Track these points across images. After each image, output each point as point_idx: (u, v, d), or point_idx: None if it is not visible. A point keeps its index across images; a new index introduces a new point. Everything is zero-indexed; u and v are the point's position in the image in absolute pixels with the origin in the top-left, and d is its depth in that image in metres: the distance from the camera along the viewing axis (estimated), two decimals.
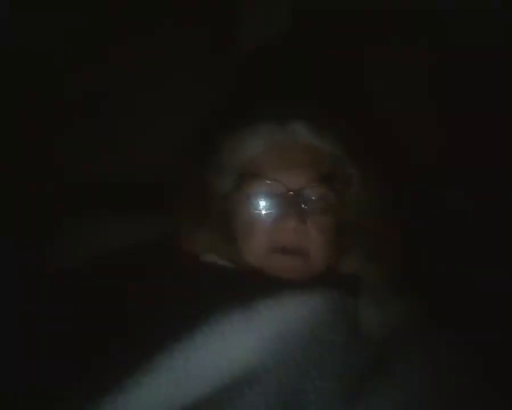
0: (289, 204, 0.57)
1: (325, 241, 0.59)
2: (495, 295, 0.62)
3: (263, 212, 0.59)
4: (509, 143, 0.77)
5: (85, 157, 0.77)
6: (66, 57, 0.77)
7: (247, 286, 0.55)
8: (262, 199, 0.59)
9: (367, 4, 0.81)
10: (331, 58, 0.79)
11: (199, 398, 0.46)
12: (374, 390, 0.46)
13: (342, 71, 0.79)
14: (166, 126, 0.78)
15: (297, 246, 0.58)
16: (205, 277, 0.58)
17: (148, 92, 0.79)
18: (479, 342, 0.51)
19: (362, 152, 0.62)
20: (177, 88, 0.79)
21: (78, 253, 0.66)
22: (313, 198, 0.58)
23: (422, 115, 0.81)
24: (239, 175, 0.61)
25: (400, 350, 0.51)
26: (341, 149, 0.62)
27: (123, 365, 0.46)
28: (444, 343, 0.52)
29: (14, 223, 0.70)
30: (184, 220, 0.63)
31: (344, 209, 0.61)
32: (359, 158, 0.62)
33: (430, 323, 0.55)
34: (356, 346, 0.50)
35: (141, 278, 0.57)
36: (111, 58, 0.77)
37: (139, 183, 0.75)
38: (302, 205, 0.57)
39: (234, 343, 0.48)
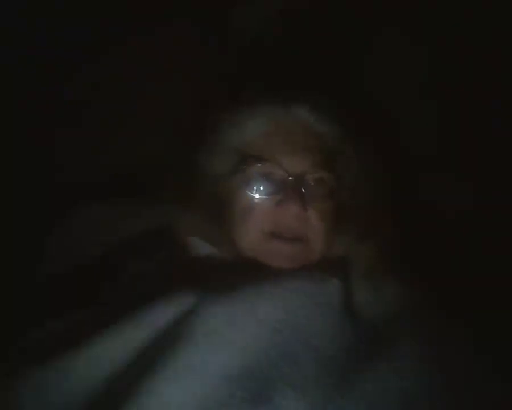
0: (290, 188, 0.56)
1: (325, 227, 0.58)
2: (493, 279, 0.62)
3: (263, 196, 0.57)
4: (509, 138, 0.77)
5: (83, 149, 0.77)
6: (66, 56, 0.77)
7: (239, 274, 0.54)
8: (262, 183, 0.57)
9: None
10: (334, 45, 0.79)
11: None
12: (370, 375, 0.46)
13: (345, 59, 0.78)
14: (165, 104, 0.77)
15: (297, 233, 0.57)
16: (196, 265, 0.58)
17: (146, 73, 0.79)
18: (478, 326, 0.51)
19: (363, 138, 0.62)
20: (176, 67, 0.78)
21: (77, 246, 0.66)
22: (314, 183, 0.57)
23: (423, 105, 0.81)
24: (239, 157, 0.60)
25: (398, 334, 0.50)
26: (342, 134, 0.61)
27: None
28: (443, 327, 0.52)
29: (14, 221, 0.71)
30: (174, 204, 0.62)
31: (343, 193, 0.60)
32: (360, 143, 0.61)
33: (428, 307, 0.54)
34: (352, 330, 0.50)
35: (136, 267, 0.58)
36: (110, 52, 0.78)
37: (135, 169, 0.74)
38: (303, 191, 0.56)
39: (223, 334, 0.48)
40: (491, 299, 0.57)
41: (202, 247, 0.61)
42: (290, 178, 0.56)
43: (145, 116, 0.77)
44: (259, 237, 0.57)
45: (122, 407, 0.43)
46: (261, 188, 0.57)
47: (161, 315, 0.49)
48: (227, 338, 0.48)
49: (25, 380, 0.45)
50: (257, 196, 0.57)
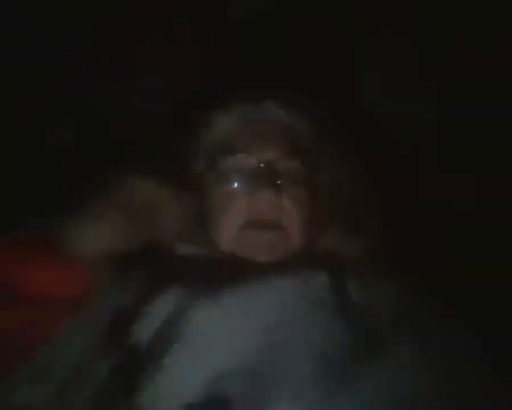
0: (263, 177, 0.56)
1: (300, 215, 0.58)
2: (494, 279, 0.61)
3: (237, 187, 0.58)
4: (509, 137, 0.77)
5: None
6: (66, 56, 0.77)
7: (228, 273, 0.53)
8: (235, 175, 0.58)
9: None
10: (310, 39, 0.79)
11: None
12: (368, 375, 0.45)
13: (323, 54, 0.79)
14: (164, 104, 0.77)
15: (272, 220, 0.57)
16: (185, 266, 0.58)
17: (146, 73, 0.79)
18: (479, 326, 0.50)
19: (335, 132, 0.62)
20: (176, 67, 0.79)
21: None
22: (286, 171, 0.58)
23: (423, 105, 0.81)
24: (212, 153, 0.61)
25: (396, 334, 0.49)
26: (313, 126, 0.62)
27: None
28: (442, 327, 0.51)
29: None
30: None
31: (317, 184, 0.61)
32: (332, 136, 0.62)
33: (428, 307, 0.54)
34: (350, 330, 0.49)
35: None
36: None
37: None
38: (276, 178, 0.57)
39: (215, 335, 0.47)
40: (491, 299, 0.57)
41: (188, 249, 0.61)
42: (262, 165, 0.57)
43: (145, 116, 0.77)
44: (236, 229, 0.57)
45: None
46: (234, 180, 0.58)
47: (151, 316, 0.49)
48: (220, 339, 0.47)
49: None
50: (231, 189, 0.58)
